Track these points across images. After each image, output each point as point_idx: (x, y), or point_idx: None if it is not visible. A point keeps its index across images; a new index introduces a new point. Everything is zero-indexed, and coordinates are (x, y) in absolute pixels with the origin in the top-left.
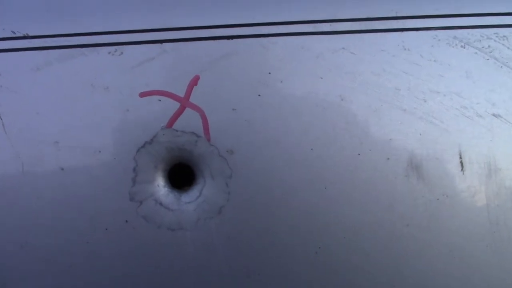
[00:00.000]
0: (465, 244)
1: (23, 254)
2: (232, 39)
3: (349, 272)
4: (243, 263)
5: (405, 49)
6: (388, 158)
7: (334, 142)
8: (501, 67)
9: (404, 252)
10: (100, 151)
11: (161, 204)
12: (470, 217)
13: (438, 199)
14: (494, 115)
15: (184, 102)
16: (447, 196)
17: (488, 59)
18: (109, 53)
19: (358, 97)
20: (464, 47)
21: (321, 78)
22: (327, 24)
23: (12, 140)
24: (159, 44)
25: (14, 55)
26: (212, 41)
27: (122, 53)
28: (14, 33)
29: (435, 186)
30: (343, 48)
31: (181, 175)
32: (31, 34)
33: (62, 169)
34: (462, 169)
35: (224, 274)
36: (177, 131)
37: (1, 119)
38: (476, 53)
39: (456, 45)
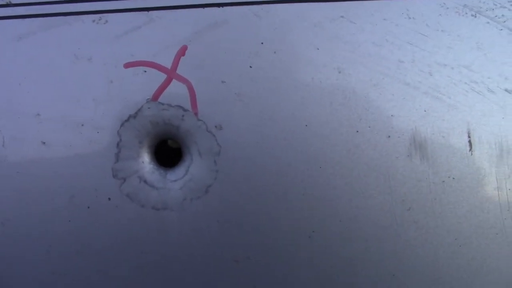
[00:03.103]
0: (473, 232)
1: (4, 231)
2: (222, 6)
3: (345, 259)
4: (231, 246)
5: (409, 18)
6: (389, 136)
7: (331, 118)
8: None
9: (405, 239)
10: (82, 125)
11: (145, 182)
12: (479, 202)
13: (443, 181)
14: (506, 90)
15: (171, 74)
16: (453, 178)
17: (501, 29)
18: (93, 21)
19: (358, 69)
20: (475, 16)
21: (318, 49)
22: None
23: None
24: (145, 12)
25: None
26: (201, 9)
27: (106, 21)
28: None
29: (441, 168)
30: (342, 16)
31: (168, 151)
32: (13, 2)
33: (44, 143)
34: (470, 149)
35: (211, 258)
36: (163, 104)
37: None
38: (488, 22)
39: (466, 14)
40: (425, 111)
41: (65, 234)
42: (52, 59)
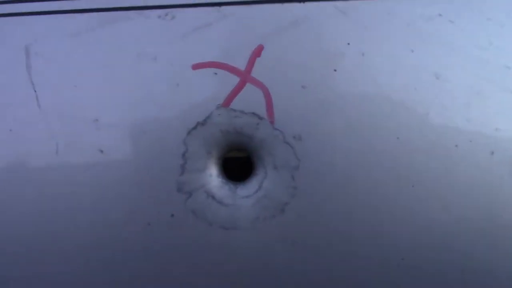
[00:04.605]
0: None
1: (54, 245)
2: (304, 2)
3: None
4: (308, 273)
5: None
6: (492, 152)
7: (425, 130)
8: None
9: (510, 270)
10: (144, 132)
11: (213, 197)
12: None
13: None
14: None
15: (245, 77)
16: None
17: None
18: (159, 17)
19: (458, 75)
20: None
21: (412, 51)
22: None
23: (46, 116)
24: (217, 8)
25: (51, 19)
26: (279, 5)
27: (174, 17)
28: None
29: None
30: (440, 14)
31: (238, 164)
32: None
33: (101, 151)
34: None
35: (284, 285)
36: (235, 111)
37: (35, 91)
38: None
39: None
40: None
41: (123, 253)
42: (112, 58)
